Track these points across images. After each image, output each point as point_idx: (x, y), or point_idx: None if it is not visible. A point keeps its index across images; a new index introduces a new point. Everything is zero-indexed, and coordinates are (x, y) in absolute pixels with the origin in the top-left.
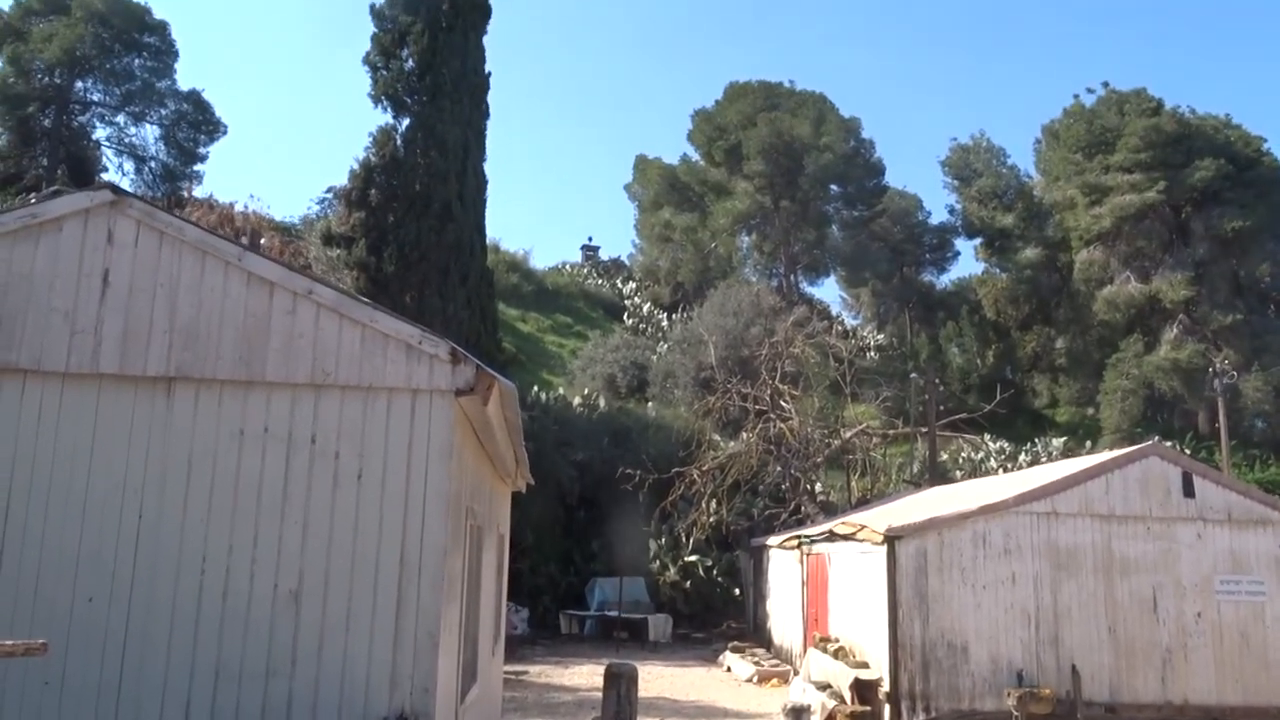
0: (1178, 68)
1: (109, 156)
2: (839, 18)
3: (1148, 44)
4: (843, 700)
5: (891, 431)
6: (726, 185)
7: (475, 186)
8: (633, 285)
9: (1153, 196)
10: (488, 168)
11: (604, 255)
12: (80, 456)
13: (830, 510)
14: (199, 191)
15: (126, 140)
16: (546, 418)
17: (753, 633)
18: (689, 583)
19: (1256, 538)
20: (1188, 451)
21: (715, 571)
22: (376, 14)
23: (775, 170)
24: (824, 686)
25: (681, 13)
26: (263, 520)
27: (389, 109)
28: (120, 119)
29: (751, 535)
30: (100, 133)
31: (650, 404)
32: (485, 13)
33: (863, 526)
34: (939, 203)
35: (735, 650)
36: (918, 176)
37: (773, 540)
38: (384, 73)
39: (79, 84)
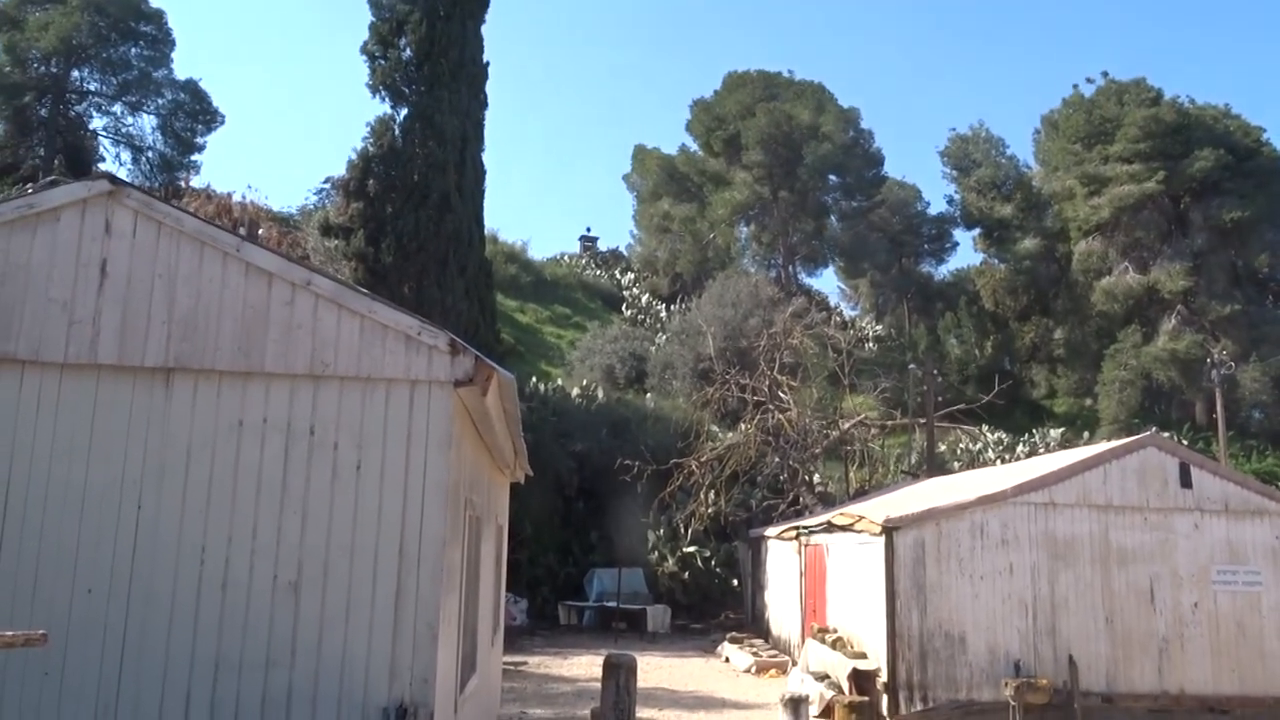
0: (1177, 58)
1: (106, 146)
2: (838, 7)
3: (1147, 34)
4: (841, 690)
5: (890, 422)
6: (725, 175)
7: (474, 177)
8: (631, 276)
9: (1152, 187)
10: (486, 158)
11: (602, 246)
12: (79, 447)
13: (828, 501)
14: (196, 182)
15: (123, 130)
16: (545, 409)
17: (751, 623)
18: (687, 573)
19: (1253, 528)
20: (1185, 442)
21: (714, 562)
22: (374, 3)
23: (774, 160)
24: (822, 677)
25: (680, 1)
26: (262, 511)
27: (387, 99)
28: (117, 108)
29: (750, 526)
30: (97, 122)
31: (649, 395)
32: (483, 1)
33: (861, 517)
34: (938, 193)
35: (733, 641)
36: (917, 167)
37: (771, 531)
38: (382, 62)
39: (75, 73)
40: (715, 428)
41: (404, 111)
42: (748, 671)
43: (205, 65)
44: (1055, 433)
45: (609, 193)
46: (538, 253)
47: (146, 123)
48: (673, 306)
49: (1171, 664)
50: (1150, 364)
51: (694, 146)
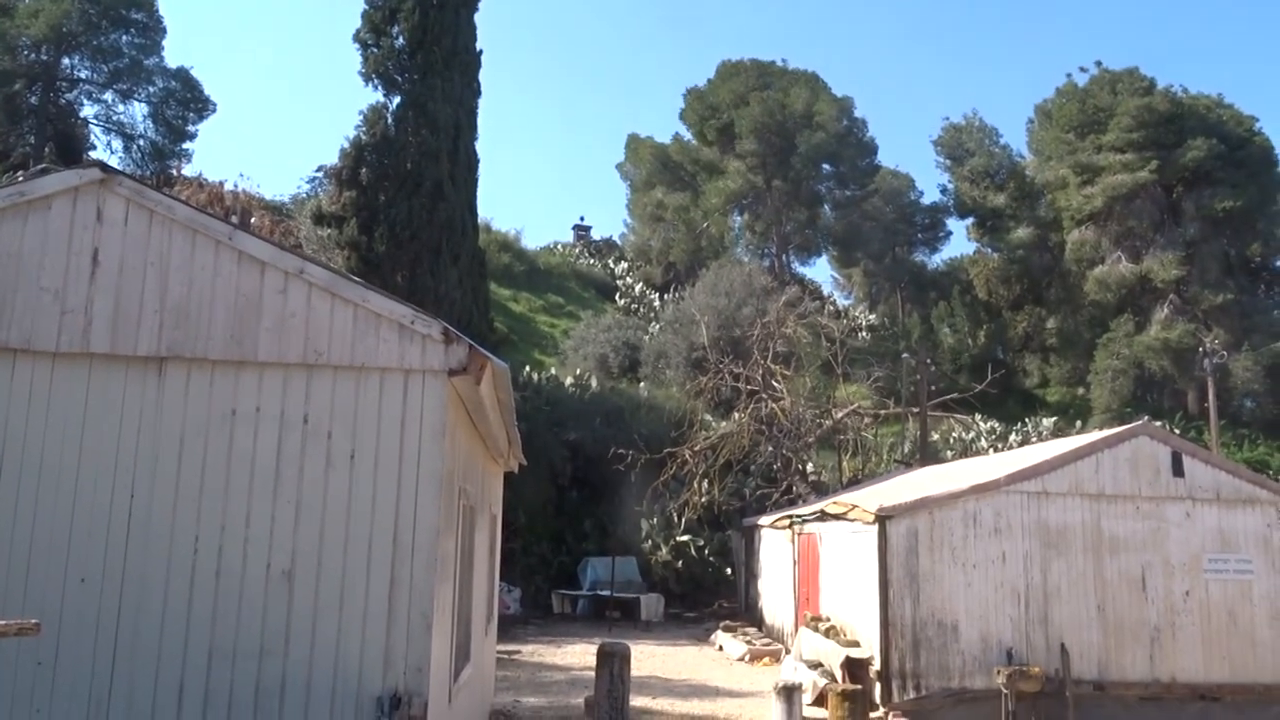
0: (1170, 47)
1: (97, 134)
2: None
3: (1140, 23)
4: (834, 679)
5: (883, 411)
6: (719, 164)
7: (467, 165)
8: (625, 265)
9: (1144, 176)
10: (479, 147)
11: (596, 235)
12: (71, 437)
13: (822, 490)
14: (188, 170)
15: (114, 118)
16: (539, 398)
17: (744, 612)
18: (681, 562)
19: (1245, 516)
20: (1177, 431)
21: (707, 551)
22: None
23: (767, 149)
24: (815, 665)
25: None
26: (255, 500)
27: (380, 87)
28: (108, 96)
29: (743, 515)
30: (88, 110)
31: (642, 384)
32: None
33: (854, 506)
34: (931, 182)
35: (727, 629)
36: (910, 156)
37: (764, 520)
38: (374, 50)
39: (66, 61)
40: (709, 417)
41: (397, 100)
42: (741, 660)
43: (197, 53)
44: (1048, 422)
45: (603, 182)
46: (531, 242)
47: (138, 110)
48: (666, 295)
49: (1163, 652)
50: (1142, 353)
51: (688, 135)
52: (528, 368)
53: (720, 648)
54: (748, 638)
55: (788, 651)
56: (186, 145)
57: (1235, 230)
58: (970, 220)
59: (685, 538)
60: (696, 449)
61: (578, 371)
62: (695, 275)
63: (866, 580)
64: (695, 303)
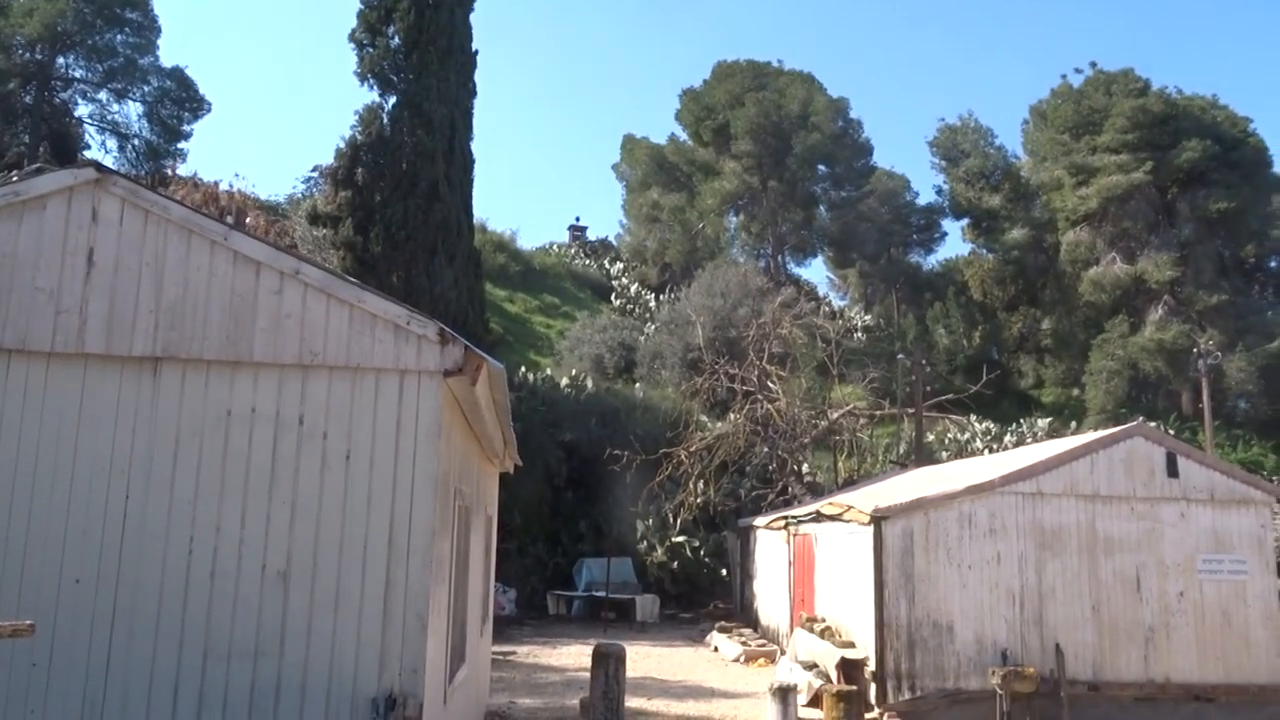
0: (1165, 48)
1: (91, 134)
2: None
3: (1135, 24)
4: (829, 679)
5: (878, 412)
6: (714, 165)
7: (462, 165)
8: (620, 266)
9: (1139, 177)
10: (475, 147)
11: (591, 236)
12: (66, 437)
13: (817, 491)
14: (183, 170)
15: (109, 117)
16: (534, 399)
17: (740, 613)
18: (676, 563)
19: (1239, 517)
20: (1172, 432)
21: (702, 552)
22: None
23: (763, 150)
24: (810, 666)
25: None
26: (250, 501)
27: (375, 87)
28: (103, 96)
29: (739, 516)
30: (82, 110)
31: (638, 385)
32: None
33: (849, 507)
34: (926, 183)
35: (722, 630)
36: (906, 157)
37: (760, 521)
38: (370, 50)
39: (60, 60)
40: (704, 417)
41: (392, 99)
42: (736, 661)
43: (192, 53)
44: (1043, 422)
45: (598, 183)
46: (527, 242)
47: (132, 110)
48: (662, 296)
49: (1157, 652)
50: (1137, 354)
51: (683, 136)
52: (523, 368)
53: (715, 648)
54: (743, 638)
55: (783, 652)
56: (181, 145)
57: (1230, 231)
58: (965, 221)
59: (681, 538)
60: (692, 450)
61: (573, 372)
62: (691, 276)
63: (862, 581)
64: (691, 303)
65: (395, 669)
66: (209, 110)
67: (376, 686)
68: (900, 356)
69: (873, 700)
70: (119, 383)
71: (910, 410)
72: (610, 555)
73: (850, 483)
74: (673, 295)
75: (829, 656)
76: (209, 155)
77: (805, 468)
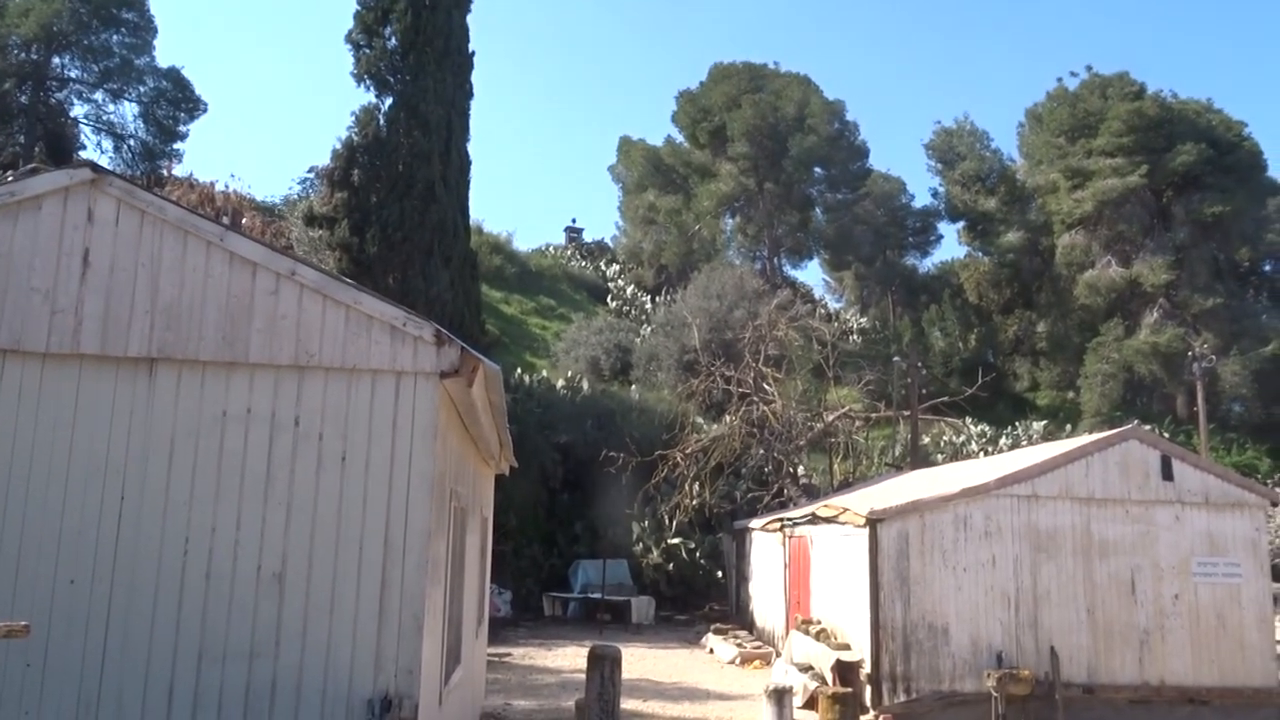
0: (1160, 52)
1: (87, 134)
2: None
3: (1130, 28)
4: (824, 682)
5: (874, 414)
6: (711, 167)
7: (459, 167)
8: (616, 268)
9: (1134, 180)
10: (471, 149)
11: (588, 238)
12: (61, 437)
13: (813, 493)
14: (179, 170)
15: (105, 118)
16: (530, 400)
17: (735, 615)
18: (672, 565)
19: (1233, 520)
20: (1166, 435)
21: (698, 554)
22: None
23: (759, 152)
24: (806, 668)
25: None
26: (246, 502)
27: (372, 88)
28: (98, 96)
29: (734, 518)
30: (78, 110)
31: (633, 387)
32: None
33: (845, 509)
34: (923, 186)
35: (718, 632)
36: (902, 159)
37: (755, 523)
38: (367, 51)
39: (56, 60)
40: (700, 419)
41: (389, 101)
42: (732, 663)
43: (187, 53)
44: (1038, 425)
45: (594, 184)
46: (523, 244)
47: (128, 110)
48: (658, 298)
49: (1152, 655)
50: (1132, 357)
51: (680, 138)
52: (519, 370)
53: (711, 650)
54: (738, 640)
55: (778, 654)
56: (177, 145)
57: (1224, 235)
58: (961, 224)
59: (676, 540)
60: (688, 451)
61: (569, 374)
62: (687, 278)
63: (857, 583)
64: (687, 305)
65: (391, 670)
66: (205, 111)
67: (372, 688)
68: (896, 359)
69: (868, 703)
70: (114, 383)
71: (906, 413)
72: (606, 557)
73: (846, 485)
74: (669, 297)
75: (824, 659)
76: (205, 156)
77: (801, 470)
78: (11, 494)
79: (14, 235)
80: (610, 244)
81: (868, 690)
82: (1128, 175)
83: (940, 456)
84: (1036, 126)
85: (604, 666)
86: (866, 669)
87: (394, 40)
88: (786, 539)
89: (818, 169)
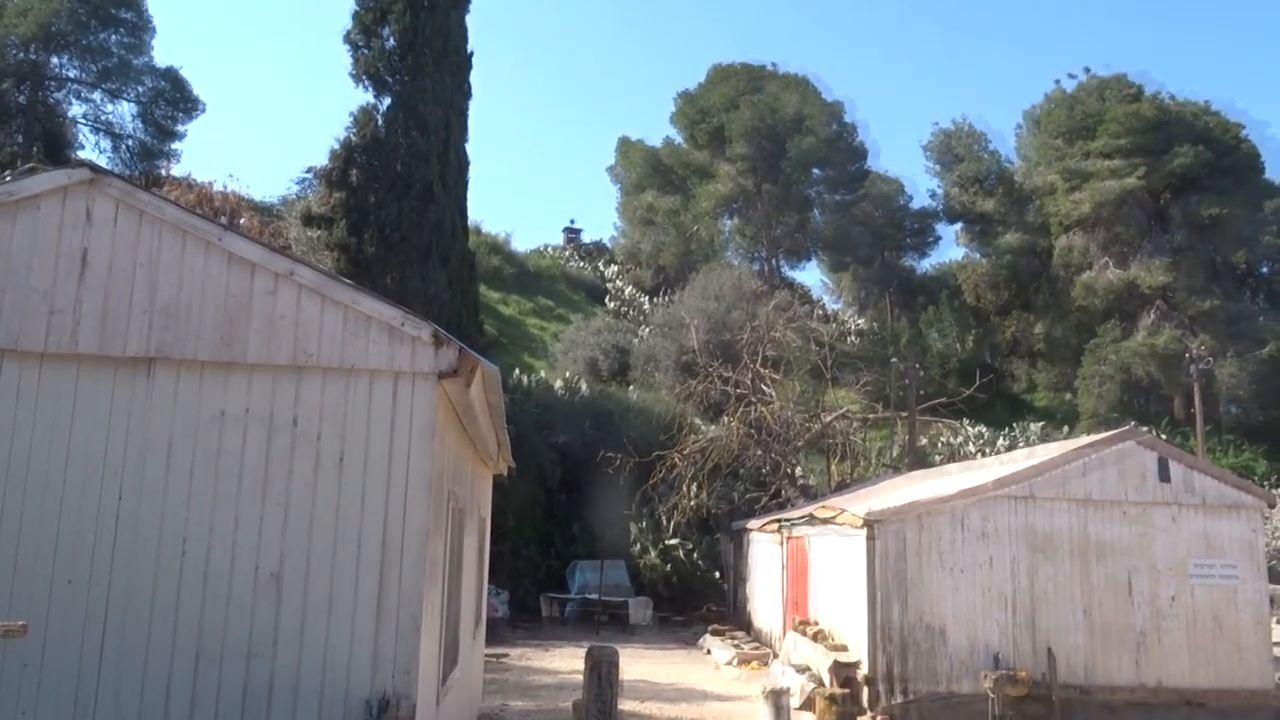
0: (1158, 54)
1: (85, 134)
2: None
3: (1129, 30)
4: (822, 683)
5: (872, 416)
6: (709, 168)
7: (457, 167)
8: (615, 268)
9: (1132, 183)
10: (470, 148)
11: (586, 238)
12: (59, 437)
13: (810, 494)
14: (176, 170)
15: (103, 117)
16: (529, 401)
17: (733, 616)
18: (670, 566)
19: (1230, 522)
20: (1164, 437)
21: (696, 555)
22: None
23: (758, 153)
24: (803, 669)
25: None
26: (244, 502)
27: (370, 88)
28: (96, 96)
29: (732, 519)
30: (76, 109)
31: (631, 387)
32: None
33: (843, 510)
34: (921, 187)
35: (715, 634)
36: (901, 161)
37: (753, 524)
38: (365, 51)
39: (54, 60)
40: (698, 420)
41: (387, 101)
42: (729, 664)
43: (185, 53)
44: (1035, 427)
45: (593, 185)
46: (521, 244)
47: (126, 110)
48: (656, 299)
49: (1149, 657)
50: (1129, 359)
51: (679, 139)
52: (518, 370)
53: (708, 652)
54: (736, 642)
55: (776, 656)
56: (175, 145)
57: (1221, 237)
58: (959, 225)
59: (674, 541)
60: (686, 452)
61: (567, 374)
62: (685, 279)
63: (855, 585)
64: (685, 306)
65: (388, 670)
66: (203, 111)
67: (370, 688)
68: (894, 360)
69: (865, 704)
70: (112, 383)
71: (903, 414)
72: (604, 558)
73: (844, 486)
74: (667, 298)
75: (822, 660)
76: (203, 156)
77: (799, 471)
78: (9, 493)
79: (12, 235)
80: (609, 245)
81: (865, 691)
82: (1125, 177)
83: (938, 458)
84: (1034, 128)
85: (601, 668)
86: (864, 670)
87: (392, 40)
88: (784, 540)
89: (816, 170)
